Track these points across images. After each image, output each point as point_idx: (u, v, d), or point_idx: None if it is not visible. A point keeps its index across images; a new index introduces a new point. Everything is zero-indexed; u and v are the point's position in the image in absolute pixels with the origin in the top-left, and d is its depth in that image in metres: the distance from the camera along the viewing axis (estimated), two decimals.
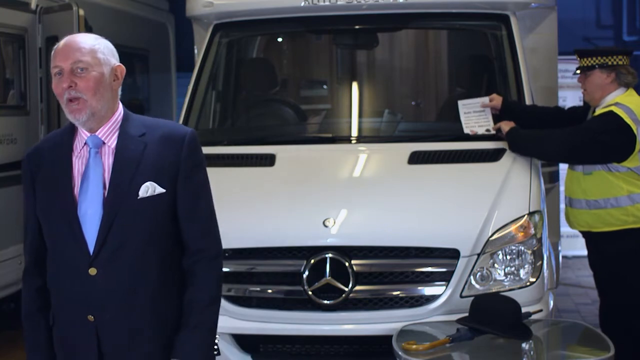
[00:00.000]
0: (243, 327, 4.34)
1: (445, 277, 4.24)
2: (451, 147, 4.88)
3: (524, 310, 4.02)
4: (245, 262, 4.37)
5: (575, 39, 9.72)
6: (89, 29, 6.88)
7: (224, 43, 5.73)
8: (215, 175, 4.62)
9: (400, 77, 6.29)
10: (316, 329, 4.30)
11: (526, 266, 4.33)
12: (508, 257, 4.31)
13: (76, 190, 2.69)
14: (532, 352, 3.95)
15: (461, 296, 4.23)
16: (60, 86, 2.66)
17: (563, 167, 5.45)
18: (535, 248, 4.36)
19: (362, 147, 5.25)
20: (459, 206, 4.44)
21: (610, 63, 4.89)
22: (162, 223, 2.72)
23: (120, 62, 2.78)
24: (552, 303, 4.55)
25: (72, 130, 2.76)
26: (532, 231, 4.37)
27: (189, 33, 6.30)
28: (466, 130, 5.08)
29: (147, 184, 2.69)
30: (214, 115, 5.76)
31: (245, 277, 4.39)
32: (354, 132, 5.53)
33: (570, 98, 9.53)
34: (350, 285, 4.22)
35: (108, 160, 2.71)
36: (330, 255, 4.24)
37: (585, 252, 5.25)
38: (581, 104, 5.88)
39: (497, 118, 5.08)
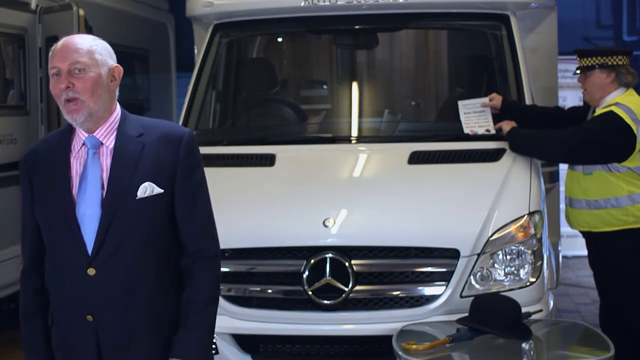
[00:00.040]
0: (243, 327, 4.34)
1: (445, 277, 4.24)
2: (451, 147, 4.88)
3: (524, 310, 4.02)
4: (245, 262, 4.37)
5: (575, 39, 9.72)
6: (89, 29, 6.88)
7: (224, 43, 5.73)
8: (216, 175, 4.63)
9: (400, 77, 6.29)
10: (316, 329, 4.30)
11: (526, 266, 4.33)
12: (508, 257, 4.31)
13: (74, 191, 2.70)
14: (532, 352, 3.95)
15: (461, 296, 4.23)
16: (57, 87, 2.67)
17: (563, 167, 5.45)
18: (535, 248, 4.36)
19: (362, 147, 5.25)
20: (459, 206, 4.44)
21: (610, 63, 4.89)
22: (161, 223, 2.72)
23: (120, 62, 2.78)
24: (552, 303, 4.55)
25: (70, 131, 2.77)
26: (532, 231, 4.37)
27: (189, 33, 6.30)
28: (466, 131, 5.08)
29: (146, 184, 2.69)
30: (214, 115, 5.76)
31: (245, 277, 4.39)
32: (354, 132, 5.53)
33: (570, 98, 9.53)
34: (350, 285, 4.22)
35: (106, 160, 2.71)
36: (330, 255, 4.24)
37: (585, 252, 5.25)
38: (581, 104, 5.88)
39: (497, 118, 5.08)
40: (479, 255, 4.25)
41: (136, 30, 8.71)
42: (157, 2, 9.37)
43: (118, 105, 2.79)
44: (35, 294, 2.81)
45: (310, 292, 4.23)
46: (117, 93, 2.78)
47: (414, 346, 3.75)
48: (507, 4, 5.44)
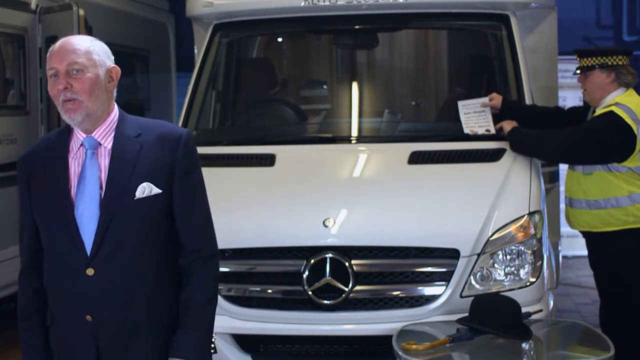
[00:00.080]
0: (243, 327, 4.34)
1: (445, 277, 4.24)
2: (451, 147, 4.88)
3: (524, 310, 4.02)
4: (245, 262, 4.37)
5: (575, 39, 9.71)
6: (89, 29, 6.88)
7: (224, 43, 5.73)
8: (216, 175, 4.65)
9: (400, 77, 6.29)
10: (316, 329, 4.30)
11: (526, 266, 4.33)
12: (508, 257, 4.31)
13: (73, 191, 2.70)
14: (532, 352, 3.95)
15: (461, 296, 4.23)
16: (55, 87, 2.67)
17: (563, 167, 5.45)
18: (535, 248, 4.36)
19: (362, 147, 5.25)
20: (459, 206, 4.44)
21: (610, 63, 4.89)
22: (159, 223, 2.73)
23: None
24: (552, 303, 4.55)
25: (68, 131, 2.77)
26: (532, 231, 4.37)
27: (189, 33, 6.29)
28: (466, 131, 5.08)
29: (144, 184, 2.70)
30: (214, 115, 5.76)
31: (245, 277, 4.39)
32: (354, 132, 5.53)
33: (570, 98, 9.53)
34: (350, 285, 4.22)
35: (104, 161, 2.72)
36: (330, 255, 4.24)
37: (585, 252, 5.25)
38: (581, 104, 5.88)
39: (497, 118, 5.08)
40: (479, 255, 4.25)
41: (136, 30, 8.70)
42: (157, 2, 9.36)
43: (116, 106, 2.80)
44: (34, 294, 2.81)
45: (310, 292, 4.23)
46: (114, 94, 2.79)
47: (414, 346, 3.75)
48: (507, 4, 5.44)
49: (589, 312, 7.22)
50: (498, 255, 4.29)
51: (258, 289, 4.37)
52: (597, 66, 4.90)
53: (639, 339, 4.83)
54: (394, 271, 4.27)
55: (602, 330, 4.75)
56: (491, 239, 4.28)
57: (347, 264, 4.23)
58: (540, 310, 4.31)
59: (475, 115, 5.11)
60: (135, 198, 2.68)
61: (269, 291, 4.36)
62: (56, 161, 2.74)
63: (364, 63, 6.06)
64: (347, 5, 5.39)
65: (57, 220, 2.70)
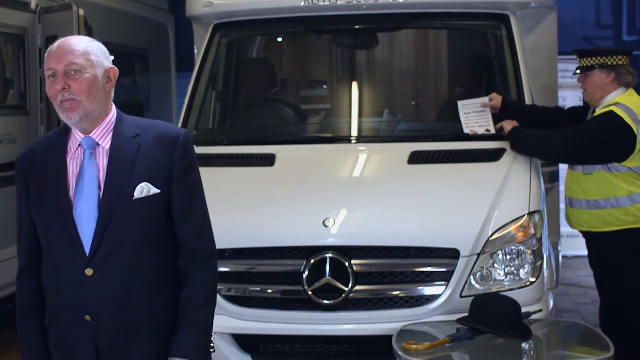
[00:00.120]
0: (243, 327, 4.34)
1: (445, 277, 4.24)
2: (451, 147, 4.88)
3: (524, 310, 4.02)
4: (245, 262, 4.37)
5: (575, 39, 9.71)
6: (89, 29, 6.88)
7: (224, 43, 5.73)
8: (216, 175, 4.66)
9: (400, 77, 6.29)
10: (316, 329, 4.30)
11: (526, 266, 4.33)
12: (508, 257, 4.31)
13: (71, 191, 2.71)
14: (532, 352, 3.95)
15: (461, 296, 4.23)
16: (54, 88, 2.68)
17: (563, 167, 5.45)
18: (535, 248, 4.36)
19: (362, 147, 5.25)
20: (459, 206, 4.44)
21: (610, 63, 4.89)
22: (157, 224, 2.73)
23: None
24: (552, 303, 4.55)
25: (66, 132, 2.78)
26: (532, 231, 4.37)
27: (189, 33, 6.29)
28: (466, 131, 5.08)
29: (142, 184, 2.70)
30: (214, 115, 5.76)
31: (245, 277, 4.39)
32: (354, 132, 5.53)
33: (570, 98, 9.53)
34: (350, 285, 4.22)
35: (103, 161, 2.72)
36: (330, 255, 4.24)
37: (585, 252, 5.25)
38: (581, 104, 5.88)
39: (497, 118, 5.08)
40: (479, 255, 4.25)
41: (136, 30, 8.70)
42: (157, 2, 9.36)
43: (114, 106, 2.81)
44: (32, 294, 2.81)
45: (310, 292, 4.23)
46: (112, 94, 2.80)
47: (414, 346, 3.75)
48: (507, 4, 5.44)
49: (589, 312, 7.22)
50: (498, 255, 4.29)
51: (258, 289, 4.37)
52: (597, 66, 4.90)
53: (639, 339, 4.83)
54: (394, 271, 4.27)
55: (602, 330, 4.75)
56: (491, 239, 4.28)
57: (347, 264, 4.22)
58: (540, 310, 4.31)
59: (475, 115, 5.11)
60: (133, 198, 2.68)
61: (269, 291, 4.36)
62: (54, 161, 2.74)
63: (364, 63, 6.06)
64: (347, 5, 5.39)
65: (56, 221, 2.71)
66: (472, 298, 4.11)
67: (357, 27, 5.77)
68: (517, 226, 4.35)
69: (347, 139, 5.36)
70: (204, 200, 2.84)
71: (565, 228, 5.73)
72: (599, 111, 4.89)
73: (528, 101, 5.21)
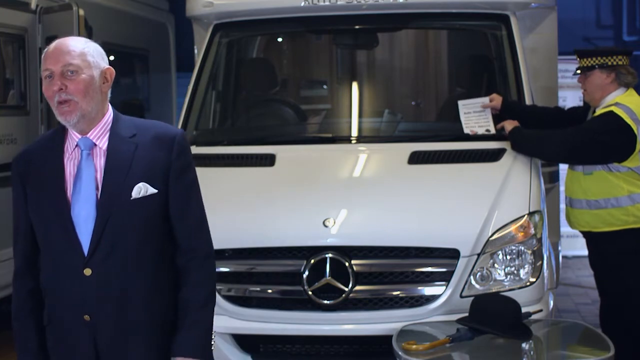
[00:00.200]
0: (243, 327, 4.34)
1: (445, 277, 4.24)
2: (451, 147, 4.88)
3: (524, 310, 4.02)
4: (245, 262, 4.37)
5: (575, 39, 9.72)
6: (89, 29, 6.88)
7: (224, 43, 5.73)
8: (216, 175, 4.67)
9: (400, 77, 6.29)
10: (316, 329, 4.30)
11: (526, 266, 4.33)
12: (508, 257, 4.31)
13: (69, 192, 2.71)
14: (532, 352, 3.95)
15: (461, 296, 4.23)
16: (50, 89, 2.69)
17: (563, 167, 5.45)
18: (535, 248, 4.36)
19: (362, 147, 5.25)
20: (459, 206, 4.44)
21: (610, 63, 4.89)
22: (155, 223, 2.74)
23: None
24: (552, 303, 4.55)
25: (63, 132, 2.78)
26: (532, 231, 4.37)
27: (189, 33, 6.29)
28: (466, 131, 5.08)
29: (140, 184, 2.71)
30: (214, 115, 5.76)
31: (245, 277, 4.39)
32: (354, 132, 5.53)
33: (570, 98, 9.53)
34: (350, 285, 4.22)
35: (100, 161, 2.73)
36: (330, 255, 4.24)
37: (585, 252, 5.25)
38: (581, 104, 5.88)
39: (497, 118, 5.08)
40: (479, 255, 4.25)
41: (136, 30, 8.70)
42: (157, 2, 9.36)
43: (110, 107, 2.82)
44: (29, 295, 2.81)
45: (310, 292, 4.23)
46: (109, 95, 2.81)
47: (414, 346, 3.75)
48: (507, 4, 5.44)
49: (589, 312, 7.22)
50: (498, 255, 4.29)
51: (258, 289, 4.37)
52: (597, 66, 4.90)
53: (639, 339, 4.83)
54: (394, 271, 4.27)
55: (602, 330, 4.75)
56: (491, 239, 4.28)
57: (347, 264, 4.22)
58: (540, 310, 4.31)
59: (475, 115, 5.11)
60: (131, 198, 2.69)
61: (269, 291, 4.36)
62: (51, 162, 2.75)
63: (364, 63, 6.06)
64: (347, 5, 5.39)
65: (54, 221, 2.71)
66: (472, 298, 4.11)
67: (357, 27, 5.77)
68: (517, 226, 4.35)
69: (347, 139, 5.36)
70: (200, 200, 2.85)
71: (565, 228, 5.73)
72: (599, 111, 4.89)
73: (528, 101, 5.21)
